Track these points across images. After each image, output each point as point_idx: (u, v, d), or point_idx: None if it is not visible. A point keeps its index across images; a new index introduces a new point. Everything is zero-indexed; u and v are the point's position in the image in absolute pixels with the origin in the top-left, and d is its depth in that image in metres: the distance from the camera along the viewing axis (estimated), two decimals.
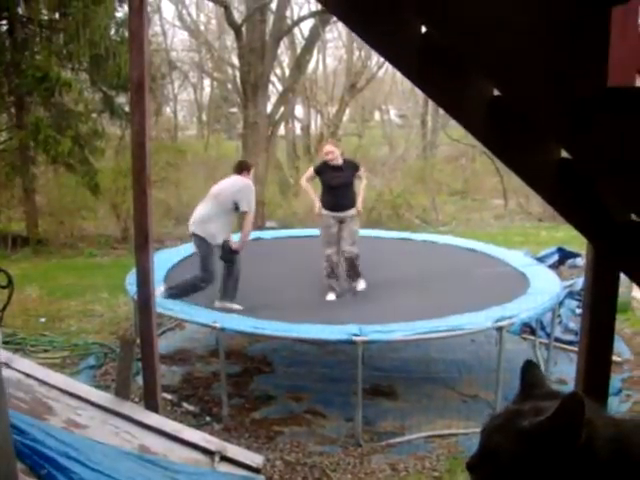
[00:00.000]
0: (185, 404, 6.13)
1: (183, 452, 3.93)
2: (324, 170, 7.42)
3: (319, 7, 14.75)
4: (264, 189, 16.19)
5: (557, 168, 2.17)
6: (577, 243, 10.11)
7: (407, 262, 8.47)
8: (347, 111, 22.10)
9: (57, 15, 13.49)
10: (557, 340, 7.20)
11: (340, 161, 7.36)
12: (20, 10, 13.45)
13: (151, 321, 4.81)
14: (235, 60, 18.65)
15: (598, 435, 1.00)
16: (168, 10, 35.64)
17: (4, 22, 13.40)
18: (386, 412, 6.02)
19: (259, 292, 7.32)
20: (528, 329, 7.65)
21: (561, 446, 0.99)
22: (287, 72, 20.30)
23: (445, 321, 5.80)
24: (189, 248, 8.46)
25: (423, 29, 2.06)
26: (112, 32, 13.52)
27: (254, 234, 10.42)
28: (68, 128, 12.93)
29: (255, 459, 4.08)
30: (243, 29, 15.96)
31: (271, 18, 16.50)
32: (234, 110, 21.98)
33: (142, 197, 4.64)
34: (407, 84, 17.09)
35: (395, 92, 24.35)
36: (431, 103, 17.74)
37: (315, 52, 20.39)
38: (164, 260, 7.77)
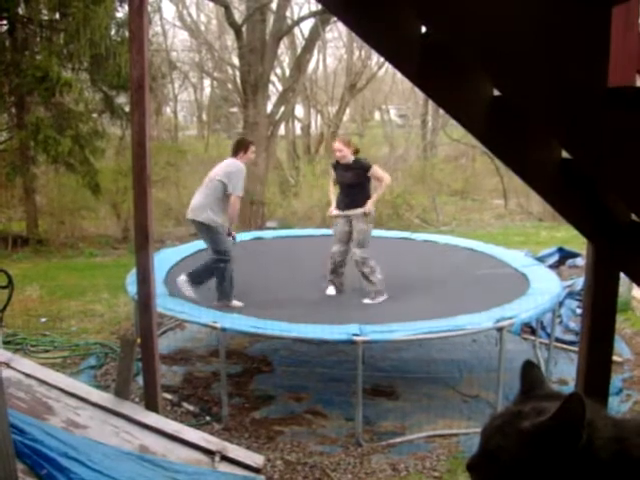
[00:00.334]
0: (185, 404, 6.13)
1: (183, 452, 3.94)
2: (336, 167, 7.39)
3: (319, 7, 14.74)
4: (264, 189, 16.20)
5: (557, 168, 2.17)
6: (577, 243, 10.12)
7: (407, 262, 8.46)
8: (347, 111, 22.14)
9: (57, 15, 13.47)
10: (557, 340, 7.20)
11: (349, 159, 7.20)
12: (20, 10, 13.43)
13: (151, 321, 4.81)
14: (235, 60, 18.65)
15: (599, 435, 1.01)
16: (168, 10, 35.74)
17: (4, 22, 13.39)
18: (386, 412, 6.02)
19: (259, 292, 7.33)
20: (528, 329, 7.65)
21: (562, 446, 0.99)
22: (287, 72, 20.31)
23: (446, 321, 5.80)
24: (190, 248, 8.48)
25: (423, 28, 2.06)
26: (112, 32, 13.50)
27: (254, 234, 10.46)
28: (68, 128, 12.92)
29: (255, 459, 4.08)
30: (243, 29, 15.96)
31: (271, 18, 16.49)
32: (234, 110, 21.98)
33: (142, 197, 4.64)
34: (407, 84, 17.07)
35: (395, 92, 24.36)
36: (431, 103, 17.74)
37: (315, 52, 20.43)
38: (164, 260, 7.77)
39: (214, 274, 6.92)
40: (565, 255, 10.78)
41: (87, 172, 13.18)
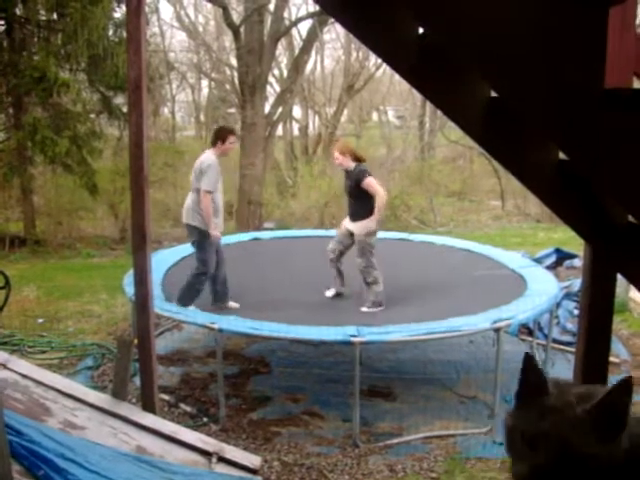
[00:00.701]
0: (182, 405, 6.13)
1: (180, 453, 3.93)
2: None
3: (317, 8, 14.75)
4: (262, 190, 16.20)
5: (554, 170, 2.17)
6: (574, 244, 10.13)
7: (405, 263, 8.47)
8: (345, 112, 22.15)
9: (55, 15, 13.46)
10: (555, 341, 7.21)
11: (349, 167, 6.98)
12: (18, 10, 13.43)
13: (149, 322, 4.81)
14: (233, 61, 18.65)
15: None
16: (166, 11, 35.84)
17: (2, 22, 13.38)
18: (384, 413, 6.02)
19: (256, 293, 7.33)
20: (526, 330, 7.66)
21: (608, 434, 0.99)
22: (285, 73, 20.32)
23: (443, 322, 5.80)
24: (187, 249, 8.45)
25: (420, 30, 2.07)
26: (110, 33, 13.51)
27: (251, 234, 10.45)
28: (66, 128, 12.91)
29: (252, 460, 4.08)
30: (241, 30, 15.96)
31: (269, 19, 16.50)
32: (232, 111, 21.98)
33: (140, 197, 4.63)
34: (405, 85, 17.07)
35: (393, 93, 24.40)
36: (429, 104, 17.75)
37: (313, 53, 20.45)
38: (162, 261, 7.77)
39: (196, 293, 6.79)
40: (562, 256, 10.80)
41: (84, 172, 13.18)
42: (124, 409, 4.24)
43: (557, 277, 8.28)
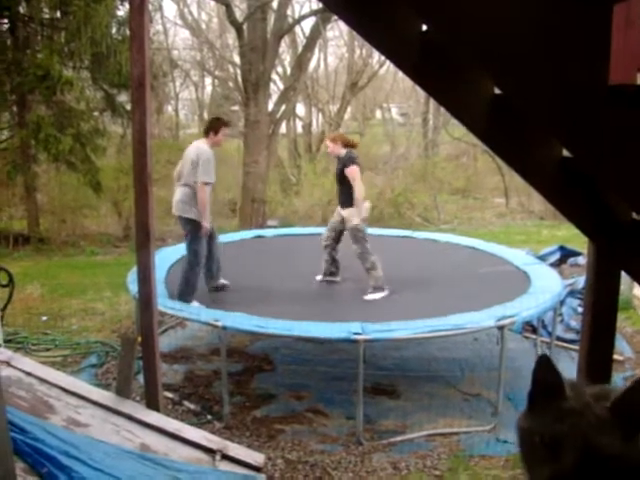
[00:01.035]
0: (186, 402, 6.13)
1: (184, 451, 3.94)
2: None
3: (320, 5, 14.73)
4: (265, 187, 16.19)
5: (558, 167, 2.17)
6: (578, 242, 10.10)
7: (409, 260, 8.46)
8: (348, 109, 22.12)
9: (58, 13, 13.50)
10: (558, 339, 7.19)
11: (339, 153, 7.15)
12: (21, 9, 13.46)
13: (152, 319, 4.81)
14: (236, 58, 18.63)
15: None
16: (169, 8, 35.80)
17: (5, 21, 13.41)
18: (387, 411, 6.02)
19: (260, 290, 7.32)
20: (530, 328, 7.65)
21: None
22: (288, 70, 20.29)
23: (447, 320, 5.79)
24: None
25: (423, 27, 2.06)
26: (113, 30, 13.52)
27: (255, 232, 10.46)
28: (69, 126, 12.93)
29: (256, 457, 4.08)
30: (244, 27, 15.95)
31: (272, 16, 16.48)
32: (235, 108, 21.95)
33: (143, 195, 4.64)
34: (408, 82, 17.07)
35: (396, 90, 24.36)
36: (432, 101, 17.73)
37: (316, 50, 20.40)
38: (165, 258, 7.77)
39: (192, 287, 6.79)
40: (566, 254, 10.77)
41: (88, 170, 13.20)
42: (128, 407, 4.25)
43: (561, 275, 8.26)
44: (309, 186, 17.00)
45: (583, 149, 1.71)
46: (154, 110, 16.06)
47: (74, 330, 8.00)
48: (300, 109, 23.09)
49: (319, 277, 7.61)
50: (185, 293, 6.71)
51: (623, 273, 2.54)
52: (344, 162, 7.08)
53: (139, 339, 4.80)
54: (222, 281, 7.21)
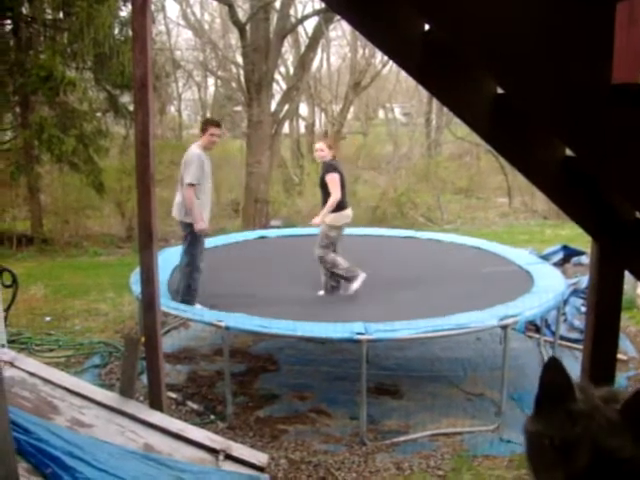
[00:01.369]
0: (190, 403, 6.14)
1: (188, 451, 3.94)
2: None
3: (323, 5, 14.73)
4: (268, 187, 16.20)
5: (561, 166, 2.16)
6: (582, 241, 10.09)
7: (412, 260, 8.46)
8: (351, 109, 22.11)
9: (61, 14, 13.51)
10: (562, 338, 7.18)
11: (325, 159, 7.24)
12: (24, 9, 13.48)
13: (156, 320, 4.82)
14: (239, 59, 18.63)
15: None
16: (172, 9, 35.86)
17: (8, 22, 13.44)
18: (391, 411, 6.02)
19: (263, 290, 7.32)
20: (533, 327, 7.64)
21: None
22: (291, 70, 20.30)
23: (450, 319, 5.79)
24: None
25: (426, 26, 2.06)
26: (116, 31, 13.54)
27: (258, 233, 10.46)
28: (72, 127, 12.96)
29: (260, 458, 4.08)
30: (247, 28, 15.96)
31: (275, 17, 16.48)
32: (238, 109, 21.99)
33: (146, 196, 4.64)
34: (411, 82, 17.05)
35: (399, 90, 24.36)
36: (435, 101, 17.72)
37: (319, 50, 20.42)
38: (168, 259, 7.76)
39: (193, 292, 6.81)
40: (570, 253, 10.76)
41: (91, 171, 13.22)
42: (131, 407, 4.25)
43: (564, 274, 8.26)
44: (312, 186, 16.96)
45: (586, 148, 1.71)
46: (157, 111, 16.09)
47: (77, 331, 8.01)
48: (303, 109, 23.13)
49: (321, 292, 7.50)
50: (187, 298, 6.72)
51: (627, 272, 2.54)
52: (326, 168, 7.22)
53: (142, 339, 4.80)
54: (198, 305, 6.96)
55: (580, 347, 6.13)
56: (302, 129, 23.35)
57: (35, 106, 13.63)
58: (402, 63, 2.26)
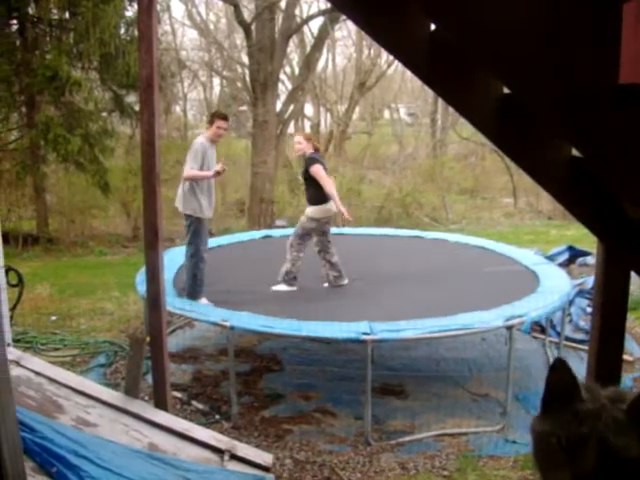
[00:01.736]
0: (194, 402, 6.14)
1: (193, 450, 3.94)
2: None
3: (328, 5, 14.73)
4: (273, 187, 16.20)
5: (567, 166, 2.16)
6: (587, 241, 10.05)
7: (417, 260, 8.45)
8: (357, 109, 22.11)
9: (67, 14, 13.55)
10: (567, 339, 7.17)
11: (306, 153, 7.22)
12: (30, 10, 13.52)
13: (161, 319, 4.82)
14: (245, 59, 18.65)
15: None
16: (178, 9, 35.88)
17: (14, 22, 13.46)
18: (396, 411, 6.01)
19: (269, 290, 7.32)
20: (538, 328, 7.63)
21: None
22: (296, 70, 20.30)
23: (455, 319, 5.78)
24: None
25: (432, 26, 2.05)
26: (122, 31, 13.58)
27: (263, 232, 10.46)
28: (78, 127, 12.98)
29: (265, 458, 4.08)
30: (252, 28, 15.97)
31: (280, 16, 16.49)
32: (243, 109, 21.97)
33: (152, 195, 4.65)
34: (417, 82, 17.06)
35: (405, 90, 24.36)
36: (441, 101, 17.70)
37: (324, 50, 20.41)
38: (174, 258, 7.77)
39: (199, 284, 6.81)
40: (575, 254, 10.73)
41: (97, 171, 13.25)
42: (136, 406, 4.26)
43: (570, 275, 8.24)
44: None
45: (592, 148, 1.71)
46: (162, 111, 16.10)
47: (83, 330, 8.03)
48: (308, 109, 23.11)
49: (325, 284, 7.52)
50: (194, 290, 6.72)
51: (633, 273, 2.53)
52: (308, 162, 7.18)
53: (147, 339, 4.81)
54: (203, 300, 6.98)
55: (585, 348, 6.11)
56: (307, 129, 23.34)
57: (41, 106, 13.66)
58: (408, 63, 2.26)
